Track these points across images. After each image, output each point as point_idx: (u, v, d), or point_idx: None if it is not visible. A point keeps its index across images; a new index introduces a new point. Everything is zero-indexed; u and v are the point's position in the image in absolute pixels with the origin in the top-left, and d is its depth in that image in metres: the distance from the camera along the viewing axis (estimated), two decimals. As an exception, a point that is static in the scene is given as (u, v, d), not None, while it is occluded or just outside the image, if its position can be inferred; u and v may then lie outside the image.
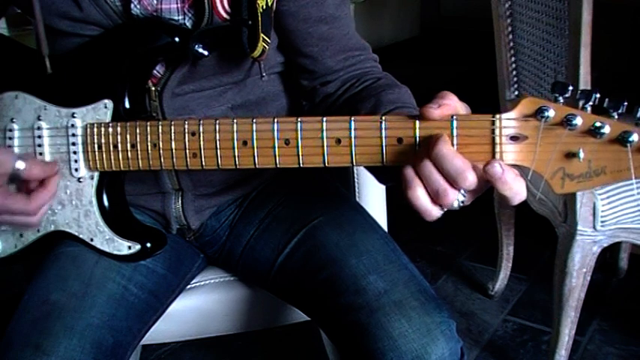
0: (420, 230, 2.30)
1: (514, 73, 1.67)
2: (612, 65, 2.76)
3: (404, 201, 0.68)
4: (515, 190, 0.65)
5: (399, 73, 0.98)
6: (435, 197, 0.66)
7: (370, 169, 0.89)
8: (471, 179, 0.64)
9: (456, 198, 0.66)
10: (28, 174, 0.84)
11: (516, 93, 1.65)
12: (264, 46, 0.87)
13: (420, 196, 0.67)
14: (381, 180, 0.88)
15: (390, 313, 0.82)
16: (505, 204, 1.81)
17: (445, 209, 0.68)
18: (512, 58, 1.65)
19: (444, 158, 0.65)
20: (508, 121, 0.66)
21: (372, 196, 1.20)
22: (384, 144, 0.71)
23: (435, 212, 0.68)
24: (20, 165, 0.83)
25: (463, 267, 2.16)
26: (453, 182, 0.65)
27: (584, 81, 1.27)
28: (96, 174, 0.87)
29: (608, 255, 2.01)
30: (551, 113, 0.64)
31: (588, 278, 1.42)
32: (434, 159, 0.65)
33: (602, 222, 1.37)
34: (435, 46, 5.03)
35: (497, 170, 0.64)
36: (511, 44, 1.64)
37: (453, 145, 0.67)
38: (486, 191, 0.70)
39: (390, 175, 0.77)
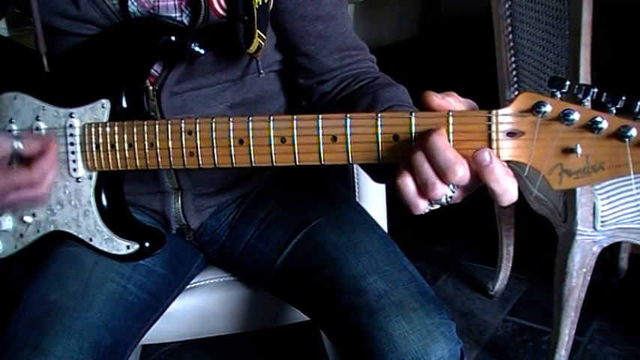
0: (420, 230, 2.30)
1: (514, 73, 1.67)
2: (612, 65, 2.75)
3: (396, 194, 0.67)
4: (505, 186, 0.64)
5: (399, 73, 0.97)
6: (423, 189, 0.65)
7: (365, 167, 0.89)
8: (460, 174, 0.64)
9: (444, 193, 0.65)
10: (28, 150, 0.83)
11: (516, 93, 1.64)
12: (260, 43, 0.87)
13: (407, 184, 0.66)
14: (375, 179, 0.88)
15: (390, 314, 0.82)
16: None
17: (434, 205, 0.68)
18: (512, 58, 1.65)
19: (436, 150, 0.64)
20: (504, 117, 0.65)
21: (372, 196, 1.20)
22: (379, 140, 0.70)
23: (421, 206, 0.67)
24: (18, 144, 0.83)
25: (463, 267, 2.16)
26: (443, 175, 0.64)
27: (584, 81, 1.27)
28: (94, 174, 0.87)
29: (608, 255, 2.01)
30: (548, 108, 0.64)
31: (588, 278, 1.42)
32: (426, 150, 0.65)
33: (602, 222, 1.37)
34: (435, 46, 5.02)
35: (485, 157, 0.63)
36: (511, 44, 1.64)
37: (449, 141, 0.67)
38: (486, 191, 0.70)
39: (386, 173, 0.76)
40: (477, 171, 0.64)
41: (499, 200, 0.65)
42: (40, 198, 0.85)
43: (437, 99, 0.67)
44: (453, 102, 0.68)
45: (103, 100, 0.86)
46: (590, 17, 1.23)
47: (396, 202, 0.73)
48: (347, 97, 0.95)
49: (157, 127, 0.80)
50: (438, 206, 0.69)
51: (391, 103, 0.85)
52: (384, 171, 0.76)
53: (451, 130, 0.67)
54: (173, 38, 0.86)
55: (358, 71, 0.97)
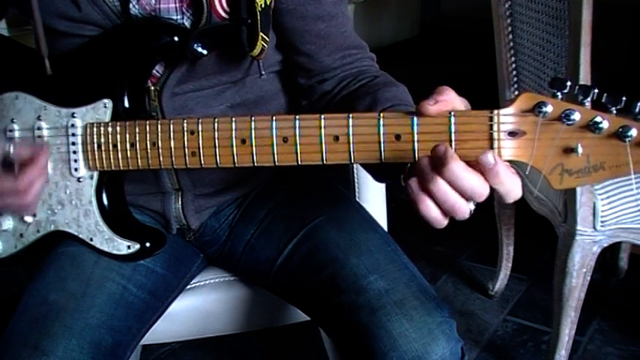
0: (420, 230, 2.30)
1: (514, 73, 1.67)
2: (612, 65, 2.75)
3: (415, 214, 0.67)
4: (508, 186, 0.64)
5: (399, 73, 0.97)
6: (449, 212, 0.65)
7: (366, 166, 0.89)
8: (486, 193, 0.64)
9: (467, 210, 0.65)
10: (18, 154, 0.83)
11: (516, 93, 1.65)
12: (264, 45, 0.87)
13: (431, 210, 0.65)
14: (377, 178, 0.88)
15: (391, 312, 0.82)
16: (505, 203, 1.81)
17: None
18: (512, 58, 1.65)
19: (461, 180, 0.63)
20: (506, 117, 0.66)
21: (372, 196, 1.20)
22: (381, 140, 0.70)
23: (445, 222, 0.67)
24: (9, 147, 0.83)
25: (463, 267, 2.16)
26: (470, 198, 0.64)
27: (585, 81, 1.27)
28: (95, 173, 0.87)
29: (608, 255, 2.01)
30: (549, 108, 0.64)
31: (588, 278, 1.42)
32: (449, 179, 0.64)
33: (602, 222, 1.37)
34: (435, 46, 5.02)
35: (489, 160, 0.63)
36: (511, 44, 1.64)
37: (451, 141, 0.67)
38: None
39: (387, 173, 0.77)
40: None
41: (504, 198, 0.65)
42: (26, 207, 0.86)
43: (431, 107, 0.67)
44: (447, 98, 0.68)
45: (105, 100, 0.86)
46: (590, 17, 1.23)
47: (396, 202, 0.73)
48: (347, 96, 0.95)
49: (159, 126, 0.80)
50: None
51: (390, 103, 0.85)
52: (386, 170, 0.76)
53: (453, 130, 0.67)
54: (176, 39, 0.86)
55: (358, 70, 0.97)
